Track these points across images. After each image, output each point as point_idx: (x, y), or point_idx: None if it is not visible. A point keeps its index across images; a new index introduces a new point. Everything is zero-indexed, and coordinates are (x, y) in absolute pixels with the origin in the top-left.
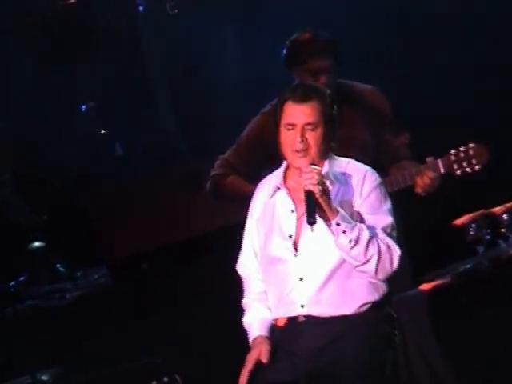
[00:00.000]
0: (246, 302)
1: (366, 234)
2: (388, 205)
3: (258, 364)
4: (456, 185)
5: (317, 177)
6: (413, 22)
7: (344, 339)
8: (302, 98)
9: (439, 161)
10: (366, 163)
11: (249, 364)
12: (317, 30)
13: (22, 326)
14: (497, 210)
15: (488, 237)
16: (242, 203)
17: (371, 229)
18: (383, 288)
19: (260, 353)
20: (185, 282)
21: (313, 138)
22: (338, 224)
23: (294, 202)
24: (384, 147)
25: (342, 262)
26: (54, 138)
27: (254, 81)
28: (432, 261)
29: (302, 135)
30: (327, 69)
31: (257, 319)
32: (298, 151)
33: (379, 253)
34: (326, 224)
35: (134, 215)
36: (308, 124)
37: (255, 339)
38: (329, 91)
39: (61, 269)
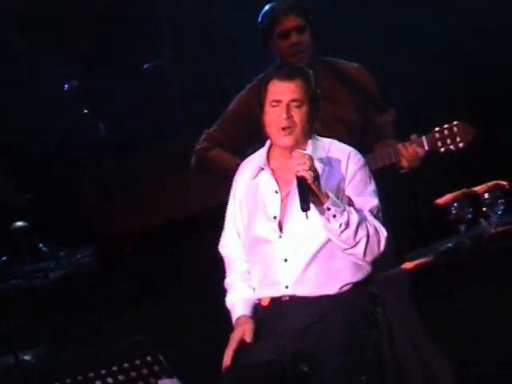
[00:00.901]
0: (228, 281)
1: (355, 218)
2: (373, 186)
3: (242, 343)
4: (438, 163)
5: (308, 162)
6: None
7: (327, 319)
8: (288, 76)
9: (423, 138)
10: (351, 142)
11: (233, 343)
12: (293, 3)
13: (5, 305)
14: (478, 189)
15: (470, 216)
16: (227, 177)
17: (359, 211)
18: (367, 268)
19: (244, 332)
20: (172, 262)
21: (298, 115)
22: (329, 208)
23: (277, 183)
24: (369, 125)
25: (326, 242)
26: (38, 117)
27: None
28: (414, 239)
29: (288, 112)
30: (296, 27)
31: (240, 298)
32: (283, 128)
33: (368, 236)
34: (317, 209)
35: (120, 195)
36: (294, 100)
37: (238, 318)
38: (311, 71)
39: (44, 248)
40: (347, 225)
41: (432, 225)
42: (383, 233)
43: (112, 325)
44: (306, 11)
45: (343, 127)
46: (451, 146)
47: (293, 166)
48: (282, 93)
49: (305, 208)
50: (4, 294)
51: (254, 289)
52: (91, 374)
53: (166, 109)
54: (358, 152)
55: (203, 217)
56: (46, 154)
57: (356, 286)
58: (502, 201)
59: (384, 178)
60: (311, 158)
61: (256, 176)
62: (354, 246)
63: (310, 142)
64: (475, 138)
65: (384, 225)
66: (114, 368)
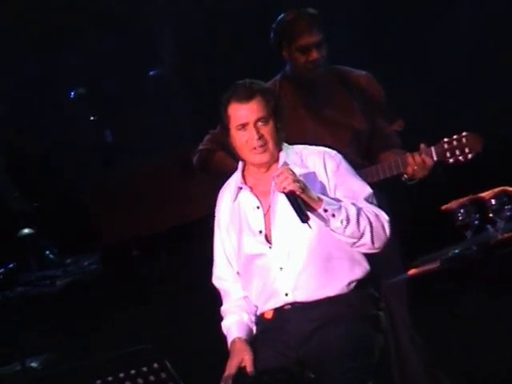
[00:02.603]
0: (224, 308)
1: (353, 210)
2: (358, 176)
3: (240, 371)
4: (444, 170)
5: (290, 175)
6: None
7: (331, 324)
8: (247, 97)
9: (432, 148)
10: (359, 150)
11: (231, 370)
12: (301, 9)
13: (12, 312)
14: (485, 195)
15: (476, 222)
16: (228, 179)
17: (354, 203)
18: (364, 265)
19: (242, 360)
20: (176, 268)
21: (267, 132)
22: (326, 210)
23: (257, 198)
24: (376, 134)
25: (319, 245)
26: (44, 124)
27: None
28: (421, 246)
29: (258, 132)
30: (317, 43)
31: (235, 321)
32: (256, 148)
33: (370, 223)
34: (315, 215)
35: (124, 202)
36: (259, 119)
37: (233, 342)
38: (267, 85)
39: (50, 256)
40: (348, 219)
41: (438, 231)
42: (384, 217)
43: (119, 331)
44: (323, 25)
45: (351, 135)
46: (460, 157)
47: (275, 183)
48: (246, 115)
49: (304, 220)
50: (11, 301)
51: (248, 313)
52: (98, 381)
53: (171, 115)
54: (332, 150)
55: (207, 221)
56: (52, 161)
57: (357, 286)
58: (509, 207)
59: (391, 184)
60: (291, 170)
61: (236, 197)
62: (361, 236)
63: (282, 153)
64: (484, 148)
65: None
66: (121, 375)
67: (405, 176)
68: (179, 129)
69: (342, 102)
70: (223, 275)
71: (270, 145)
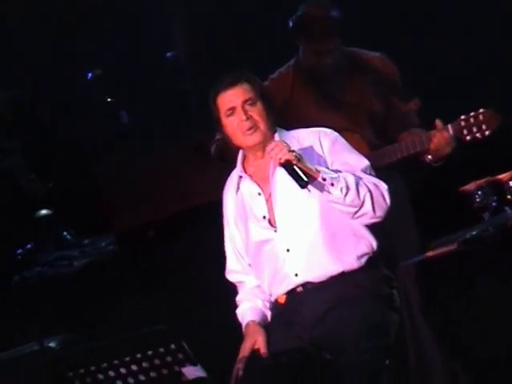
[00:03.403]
0: (238, 298)
1: (351, 178)
2: (355, 151)
3: (254, 353)
4: (462, 152)
5: (285, 146)
6: None
7: (343, 304)
8: (231, 83)
9: (449, 126)
10: (375, 131)
11: (244, 353)
12: (326, 5)
13: (30, 292)
14: (503, 176)
15: (494, 204)
16: None
17: (352, 173)
18: (370, 240)
19: (255, 342)
20: (191, 249)
21: (256, 112)
22: (324, 179)
23: (258, 185)
24: (392, 114)
25: (323, 224)
26: (60, 105)
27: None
28: (438, 228)
29: (246, 113)
30: (332, 50)
31: (249, 308)
32: (248, 129)
33: (370, 191)
34: (314, 185)
35: (141, 183)
36: (246, 101)
37: (247, 325)
38: (281, 70)
39: (68, 236)
40: (347, 187)
41: (456, 213)
42: (383, 185)
43: (136, 312)
44: (343, 28)
45: (367, 116)
46: (477, 134)
47: (271, 157)
48: (232, 100)
49: (302, 185)
50: (29, 281)
51: (262, 299)
52: (115, 362)
53: (186, 98)
54: (328, 129)
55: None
56: (68, 142)
57: (368, 267)
58: None
59: (408, 166)
60: (284, 142)
61: (238, 187)
62: (362, 205)
63: (276, 135)
64: (501, 125)
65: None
66: (139, 355)
67: (429, 157)
68: (193, 113)
69: (356, 84)
70: (236, 269)
71: (261, 125)
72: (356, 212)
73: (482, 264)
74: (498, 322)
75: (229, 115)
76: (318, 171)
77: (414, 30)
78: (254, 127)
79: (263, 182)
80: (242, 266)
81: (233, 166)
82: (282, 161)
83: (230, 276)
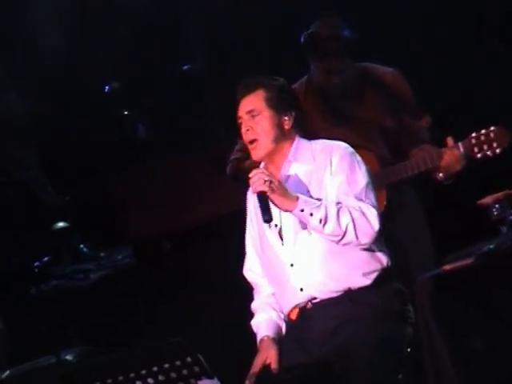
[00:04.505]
0: (254, 305)
1: (332, 208)
2: (362, 170)
3: (265, 368)
4: (478, 165)
5: (262, 176)
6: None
7: (353, 321)
8: (243, 92)
9: (460, 144)
10: (387, 146)
11: (255, 368)
12: (338, 25)
13: (47, 305)
14: None
15: (511, 217)
16: None
17: (344, 197)
18: (379, 255)
19: (267, 357)
20: (208, 262)
21: (257, 124)
22: (302, 210)
23: None
24: (404, 130)
25: (326, 239)
26: (78, 118)
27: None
28: (455, 241)
29: (247, 125)
30: (342, 69)
31: (264, 320)
32: (249, 142)
33: (353, 220)
34: (293, 214)
35: (157, 196)
36: (249, 112)
37: (262, 340)
38: (281, 80)
39: (84, 249)
40: (326, 218)
41: (473, 226)
42: (371, 211)
43: (153, 325)
44: (354, 48)
45: (379, 132)
46: (488, 152)
47: (250, 184)
48: (240, 109)
49: (266, 219)
50: (45, 294)
51: (277, 310)
52: (132, 375)
53: (204, 111)
54: (343, 144)
55: (237, 217)
56: (85, 155)
57: (378, 282)
58: None
59: (426, 180)
60: (265, 172)
61: None
62: (344, 234)
63: (292, 146)
64: None
65: (376, 202)
66: (155, 368)
67: (440, 175)
68: (212, 125)
69: (368, 99)
70: (253, 267)
71: (262, 138)
72: (339, 240)
73: (500, 277)
74: None
75: (239, 124)
76: (297, 199)
77: (425, 47)
78: (254, 141)
79: None
80: (259, 267)
81: None
82: (256, 191)
83: (247, 274)
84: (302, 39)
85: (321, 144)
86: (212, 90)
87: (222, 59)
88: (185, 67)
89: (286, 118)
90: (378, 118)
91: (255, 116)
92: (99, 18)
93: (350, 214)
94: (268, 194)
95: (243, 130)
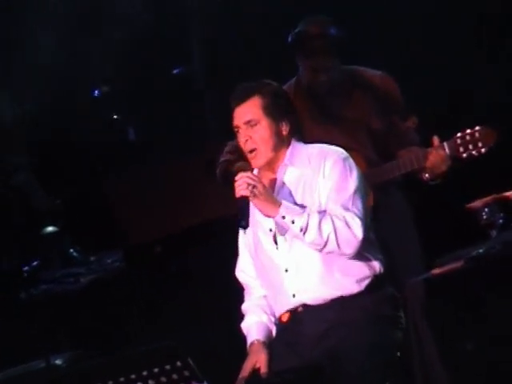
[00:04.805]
0: (245, 307)
1: (314, 217)
2: (353, 177)
3: (255, 372)
4: (467, 168)
5: (247, 180)
6: (429, 8)
7: (344, 325)
8: (239, 99)
9: (445, 144)
10: (375, 148)
11: (244, 372)
12: (325, 24)
13: (36, 309)
14: (510, 194)
15: (501, 221)
16: None
17: (331, 205)
18: (372, 262)
19: (257, 361)
20: (198, 265)
21: (256, 133)
22: (284, 217)
23: None
24: (392, 131)
25: None
26: (69, 122)
27: None
28: (444, 245)
29: (245, 135)
30: (329, 68)
31: (255, 323)
32: (249, 151)
33: (335, 229)
34: (275, 221)
35: (147, 200)
36: (247, 122)
37: (252, 344)
38: (274, 84)
39: (74, 253)
40: (307, 227)
41: (462, 230)
42: (356, 221)
43: (143, 329)
44: (342, 47)
45: (366, 133)
46: (473, 152)
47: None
48: (237, 118)
49: (241, 225)
50: (35, 298)
51: (268, 313)
52: (121, 379)
53: (196, 115)
54: (339, 149)
55: (228, 221)
56: (75, 159)
57: (370, 288)
58: None
59: (415, 182)
60: (251, 176)
61: None
62: (325, 243)
63: (288, 150)
64: (497, 142)
65: (363, 208)
66: (144, 373)
67: (426, 175)
68: (204, 128)
69: (355, 100)
70: (246, 269)
71: (261, 148)
72: (321, 249)
73: (489, 281)
74: (506, 340)
75: (236, 132)
76: (279, 206)
77: (425, 47)
78: (254, 150)
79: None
80: (252, 269)
81: None
82: (238, 195)
83: (240, 275)
84: (290, 38)
85: (317, 148)
86: (210, 91)
87: (222, 60)
88: (175, 71)
89: (284, 124)
90: (365, 118)
91: (253, 126)
92: (93, 21)
93: (333, 223)
94: (250, 199)
95: (241, 139)
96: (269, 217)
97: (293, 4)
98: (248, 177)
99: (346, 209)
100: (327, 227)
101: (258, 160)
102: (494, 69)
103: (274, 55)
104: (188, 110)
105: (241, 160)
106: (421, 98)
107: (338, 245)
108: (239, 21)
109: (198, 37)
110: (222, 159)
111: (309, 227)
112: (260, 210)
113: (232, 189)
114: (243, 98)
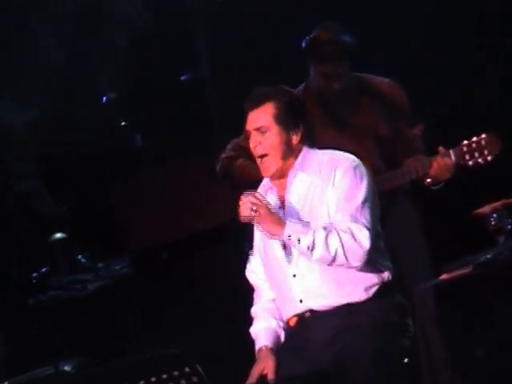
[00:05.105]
0: (254, 310)
1: (320, 234)
2: (363, 185)
3: (262, 378)
4: (476, 175)
5: (249, 205)
6: (439, 15)
7: (351, 331)
8: (252, 104)
9: (451, 151)
10: (382, 155)
11: (252, 379)
12: (337, 31)
13: (44, 316)
14: None
15: (509, 227)
16: (251, 186)
17: (338, 216)
18: (381, 269)
19: (265, 368)
20: (205, 272)
21: (266, 140)
22: (289, 236)
23: (279, 199)
24: (399, 138)
25: None
26: (76, 129)
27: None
28: (453, 251)
29: (255, 140)
30: (340, 74)
31: (263, 329)
32: (259, 157)
33: (342, 243)
34: (281, 240)
35: (154, 206)
36: (257, 129)
37: (260, 350)
38: (291, 91)
39: (82, 260)
40: (314, 244)
41: (471, 236)
42: (363, 233)
43: (150, 335)
44: (354, 53)
45: (373, 139)
46: (479, 159)
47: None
48: (248, 122)
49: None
50: (43, 305)
51: (277, 318)
52: None
53: (203, 121)
54: (351, 157)
55: (234, 227)
56: (83, 165)
57: (378, 295)
58: None
59: (422, 189)
60: (254, 196)
61: (266, 194)
62: (334, 258)
63: (299, 157)
64: (503, 149)
65: (372, 218)
66: (153, 379)
67: (428, 180)
68: (210, 133)
69: (363, 107)
70: (256, 270)
71: (271, 155)
72: (329, 264)
73: (497, 287)
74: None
75: (247, 136)
76: (283, 227)
77: (425, 47)
78: (264, 156)
79: (283, 199)
80: (262, 269)
81: (249, 183)
82: (241, 218)
83: (250, 275)
84: (304, 44)
85: (328, 155)
86: (214, 94)
87: (224, 61)
88: (183, 77)
89: (294, 133)
90: (373, 125)
91: (264, 133)
92: (98, 28)
93: (340, 237)
94: (253, 221)
95: (252, 144)
96: (274, 237)
97: (293, 4)
98: (250, 199)
99: (354, 219)
100: (334, 242)
101: (269, 169)
102: (494, 69)
103: (274, 55)
104: (197, 115)
105: (242, 158)
106: (421, 98)
107: (346, 258)
108: (239, 21)
109: (203, 38)
110: (223, 155)
111: (315, 245)
112: (264, 232)
113: (231, 184)
114: (257, 104)
